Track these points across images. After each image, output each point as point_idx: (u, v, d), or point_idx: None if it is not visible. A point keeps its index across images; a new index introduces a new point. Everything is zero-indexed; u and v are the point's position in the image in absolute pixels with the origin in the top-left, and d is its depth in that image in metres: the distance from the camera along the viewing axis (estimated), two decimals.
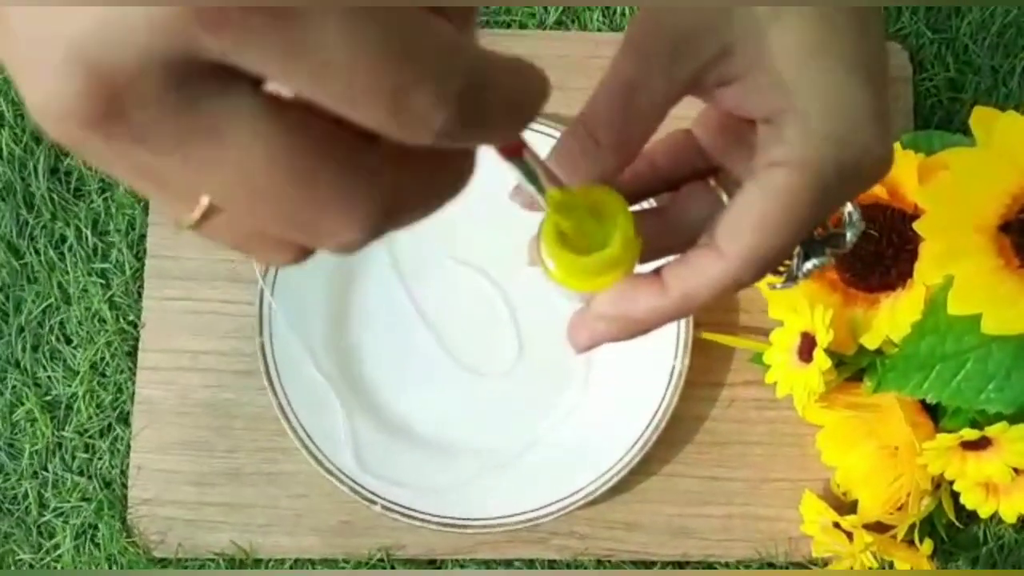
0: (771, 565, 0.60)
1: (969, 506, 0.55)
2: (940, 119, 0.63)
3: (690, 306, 0.27)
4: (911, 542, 0.57)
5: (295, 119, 0.17)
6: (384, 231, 0.19)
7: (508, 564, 0.60)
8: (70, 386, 0.60)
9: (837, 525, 0.56)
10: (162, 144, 0.17)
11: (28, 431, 0.60)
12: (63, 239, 0.62)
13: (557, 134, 0.50)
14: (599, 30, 0.63)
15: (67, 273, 0.61)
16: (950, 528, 0.59)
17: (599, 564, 0.60)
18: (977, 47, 0.63)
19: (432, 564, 0.60)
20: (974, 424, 0.52)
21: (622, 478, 0.57)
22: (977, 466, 0.52)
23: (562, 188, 0.25)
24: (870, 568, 0.56)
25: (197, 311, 0.61)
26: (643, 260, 0.28)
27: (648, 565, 0.60)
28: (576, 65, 0.61)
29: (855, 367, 0.55)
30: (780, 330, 0.55)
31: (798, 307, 0.53)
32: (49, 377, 0.61)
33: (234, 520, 0.59)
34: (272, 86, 0.17)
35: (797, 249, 0.30)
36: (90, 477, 0.60)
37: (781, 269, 0.30)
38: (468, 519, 0.58)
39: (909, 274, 0.52)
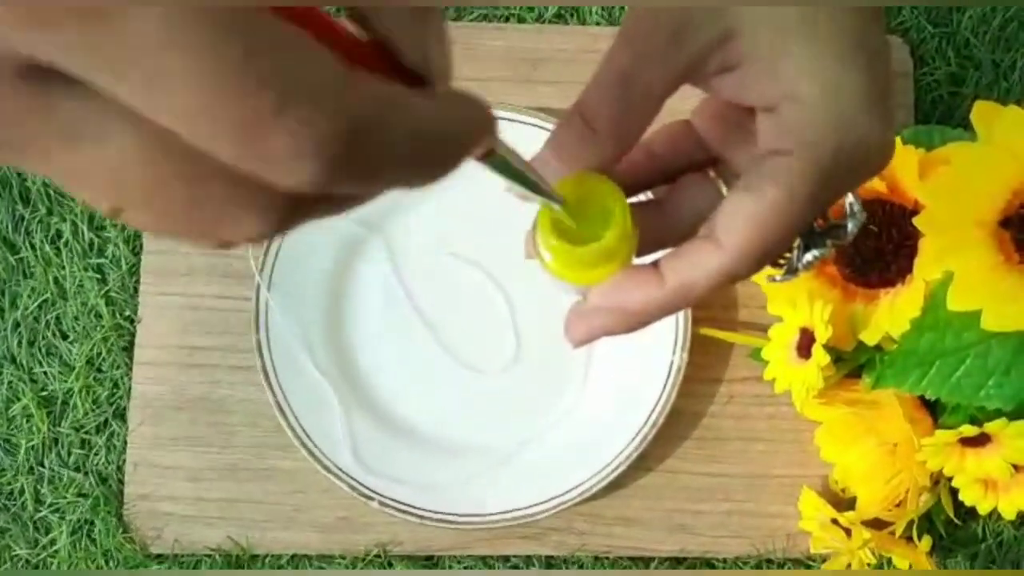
0: (769, 561, 0.60)
1: (968, 503, 0.54)
2: (941, 114, 0.62)
3: (688, 298, 0.27)
4: (909, 538, 0.56)
5: None
6: (300, 220, 0.18)
7: (506, 560, 0.59)
8: (66, 382, 0.60)
9: (835, 521, 0.56)
10: (19, 144, 0.16)
11: (24, 427, 0.60)
12: (59, 234, 0.61)
13: None
14: (598, 24, 0.63)
15: (63, 268, 0.61)
16: (949, 525, 0.59)
17: (597, 560, 0.60)
18: (978, 41, 0.63)
19: (429, 560, 0.59)
20: (973, 420, 0.52)
21: (620, 474, 0.57)
22: (976, 462, 0.52)
23: (561, 179, 0.25)
24: (868, 565, 0.55)
25: (194, 307, 0.60)
26: (641, 252, 0.28)
27: (646, 561, 0.60)
28: (574, 59, 0.61)
29: (854, 363, 0.55)
30: (779, 326, 0.55)
31: (797, 303, 0.53)
32: (45, 373, 0.60)
33: (231, 516, 0.59)
34: None
35: (797, 241, 0.30)
36: (86, 473, 0.60)
37: (781, 261, 0.30)
38: (466, 515, 0.57)
39: (909, 270, 0.51)
